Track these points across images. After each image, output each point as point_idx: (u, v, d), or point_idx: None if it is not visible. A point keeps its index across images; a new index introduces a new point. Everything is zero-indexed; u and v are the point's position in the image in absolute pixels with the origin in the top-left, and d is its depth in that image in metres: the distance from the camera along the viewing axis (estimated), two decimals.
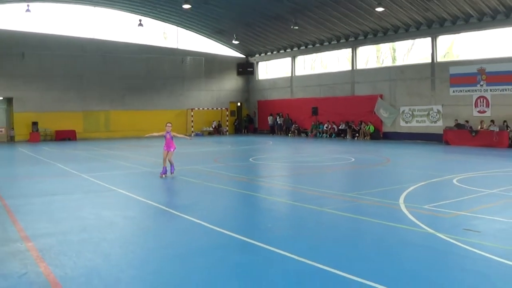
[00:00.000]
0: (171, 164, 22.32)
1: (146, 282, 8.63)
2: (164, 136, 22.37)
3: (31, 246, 10.77)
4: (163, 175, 21.87)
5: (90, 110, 52.08)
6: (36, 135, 47.62)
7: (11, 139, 48.23)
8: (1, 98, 48.69)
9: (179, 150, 36.58)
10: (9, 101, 48.95)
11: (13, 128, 48.39)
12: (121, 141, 45.96)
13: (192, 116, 57.92)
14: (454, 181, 20.01)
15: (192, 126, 57.59)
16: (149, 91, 55.65)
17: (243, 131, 62.17)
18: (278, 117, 57.73)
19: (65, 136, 49.38)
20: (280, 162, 30.02)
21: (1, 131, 48.11)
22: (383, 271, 9.13)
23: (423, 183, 19.84)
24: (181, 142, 46.58)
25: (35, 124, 47.90)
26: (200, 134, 57.48)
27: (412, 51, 47.04)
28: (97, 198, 16.74)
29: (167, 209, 15.01)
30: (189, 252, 10.49)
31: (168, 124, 22.54)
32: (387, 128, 46.15)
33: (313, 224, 13.37)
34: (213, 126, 59.29)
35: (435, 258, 10.06)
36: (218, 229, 12.40)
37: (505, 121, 36.53)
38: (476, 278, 8.80)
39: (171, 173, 22.24)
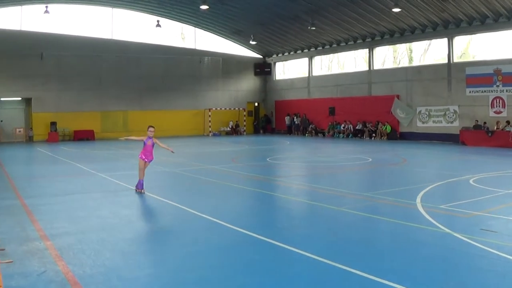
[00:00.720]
0: (140, 179, 17.96)
1: (164, 280, 8.71)
2: (144, 142, 18.15)
3: (50, 245, 10.86)
4: (142, 190, 17.78)
5: (108, 110, 52.21)
6: (54, 135, 47.78)
7: (29, 139, 48.43)
8: (19, 98, 48.91)
9: (197, 149, 36.72)
10: (27, 101, 49.21)
11: (31, 128, 48.56)
12: (139, 141, 46.02)
13: (209, 116, 57.98)
14: (471, 181, 19.97)
15: (210, 126, 57.67)
16: (167, 91, 55.74)
17: (261, 131, 62.11)
18: (295, 117, 57.69)
19: (83, 136, 49.55)
20: (297, 162, 30.06)
21: (20, 131, 48.25)
22: (400, 270, 9.19)
23: (439, 183, 19.82)
24: (200, 141, 46.76)
25: (53, 124, 48.04)
26: (218, 134, 57.55)
27: (429, 52, 46.87)
28: (115, 198, 16.85)
29: (185, 208, 15.07)
30: (207, 250, 10.57)
31: (150, 129, 18.51)
32: (403, 128, 46.02)
33: (330, 223, 13.43)
34: (230, 126, 59.32)
35: (452, 258, 10.09)
36: (235, 228, 12.49)
37: None
38: (493, 278, 8.82)
39: (140, 190, 17.88)
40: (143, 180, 18.13)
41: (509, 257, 9.85)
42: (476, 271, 9.30)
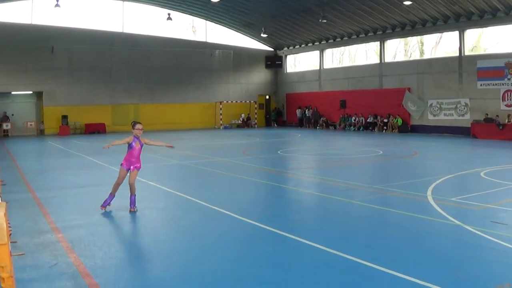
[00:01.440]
0: (132, 194, 14.00)
1: (175, 271, 8.75)
2: (130, 145, 14.17)
3: (61, 237, 10.94)
4: (105, 207, 14.00)
5: (119, 104, 52.25)
6: (65, 129, 47.87)
7: (41, 133, 48.55)
8: (31, 92, 49.06)
9: (208, 142, 36.72)
10: (39, 95, 49.35)
11: (42, 121, 48.68)
12: (150, 134, 46.09)
13: (220, 109, 58.00)
14: (482, 174, 19.92)
15: (221, 119, 57.68)
16: (178, 84, 55.76)
17: (272, 124, 62.07)
18: (306, 110, 57.65)
19: (95, 129, 49.66)
20: (308, 155, 30.05)
21: (31, 124, 48.37)
22: (410, 262, 9.21)
23: (450, 175, 19.78)
24: (211, 134, 46.75)
25: (64, 117, 48.11)
26: (229, 127, 57.57)
27: (440, 45, 46.80)
28: (127, 190, 16.90)
29: (196, 200, 15.13)
30: (219, 243, 10.63)
31: (137, 126, 14.17)
32: (415, 121, 45.91)
33: (341, 215, 13.46)
34: (241, 119, 59.31)
35: (462, 250, 10.16)
36: (247, 220, 12.55)
37: None
38: (503, 270, 8.84)
39: (132, 208, 13.86)
40: (113, 196, 14.15)
41: None
42: (486, 263, 9.31)
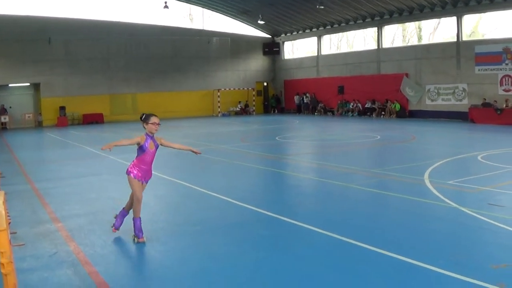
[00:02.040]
0: (136, 216, 10.18)
1: (175, 257, 8.83)
2: (141, 147, 10.22)
3: (61, 226, 11.01)
4: (143, 238, 9.97)
5: (117, 93, 52.15)
6: (63, 120, 47.76)
7: (39, 124, 48.44)
8: (28, 84, 48.88)
9: (206, 130, 36.84)
10: (36, 86, 49.15)
11: (40, 113, 48.59)
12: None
13: (218, 96, 57.93)
14: (479, 157, 20.00)
15: (219, 107, 57.63)
16: (175, 72, 55.63)
17: (271, 110, 62.05)
18: (304, 97, 57.64)
19: (93, 120, 49.57)
20: (306, 141, 30.12)
21: (29, 116, 48.35)
22: (408, 244, 9.31)
23: (448, 159, 19.92)
24: (209, 122, 46.82)
25: (62, 108, 47.97)
26: (227, 114, 57.54)
27: (438, 30, 46.85)
28: (126, 179, 16.97)
29: (195, 187, 15.21)
30: (217, 227, 10.71)
31: (153, 120, 10.25)
32: (413, 106, 45.93)
33: (339, 199, 13.57)
34: (239, 106, 59.29)
35: (459, 232, 10.29)
36: (246, 205, 12.66)
37: None
38: (500, 251, 8.94)
39: (140, 238, 9.96)
40: (126, 212, 10.74)
41: None
42: (483, 244, 9.44)
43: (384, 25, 49.23)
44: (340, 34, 56.67)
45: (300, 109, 57.86)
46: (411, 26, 49.70)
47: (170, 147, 11.11)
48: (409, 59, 46.08)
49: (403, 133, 31.84)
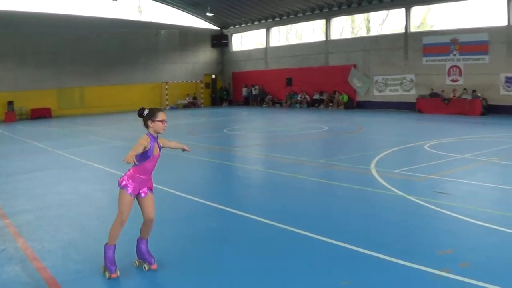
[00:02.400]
0: (143, 237, 8.49)
1: (123, 251, 8.74)
2: (147, 152, 8.05)
3: (9, 223, 10.85)
4: (116, 273, 7.88)
5: (65, 87, 51.37)
6: (11, 115, 46.96)
7: None
8: None
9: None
10: None
11: None
12: (96, 117, 45.77)
13: (166, 89, 57.62)
14: (426, 147, 20.28)
15: (167, 100, 57.33)
16: (124, 65, 55.07)
17: (220, 103, 61.92)
18: (253, 89, 57.68)
19: (41, 114, 48.66)
20: (254, 132, 30.14)
21: None
22: (356, 233, 9.41)
23: (394, 149, 20.15)
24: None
25: (10, 103, 47.10)
26: (175, 107, 57.25)
27: (387, 22, 47.24)
28: (74, 173, 16.81)
29: None
30: (164, 221, 10.59)
31: (161, 116, 8.21)
32: (360, 97, 46.31)
33: (287, 190, 13.61)
34: (187, 99, 59.04)
35: (406, 219, 10.41)
36: (193, 198, 12.62)
37: (474, 90, 36.90)
38: (446, 237, 9.16)
39: (153, 265, 8.17)
40: (115, 247, 8.11)
41: (461, 217, 10.15)
42: (429, 231, 9.61)
43: (333, 17, 49.50)
44: (289, 26, 56.81)
45: (248, 101, 57.90)
46: (360, 18, 49.99)
47: (168, 147, 8.99)
48: (357, 50, 46.43)
49: (350, 124, 32.13)
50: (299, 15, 52.39)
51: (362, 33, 49.90)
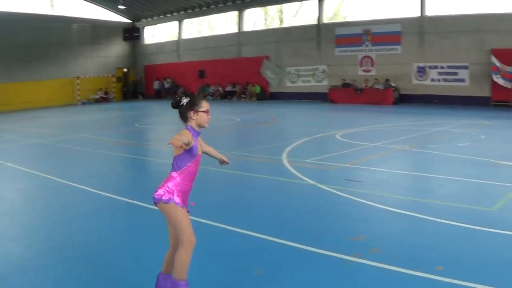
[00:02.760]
0: (169, 274, 6.49)
1: (37, 249, 8.53)
2: (192, 150, 6.49)
3: None
4: None
5: None
6: None
7: None
8: None
9: (66, 119, 36.16)
10: None
11: None
12: (7, 115, 44.84)
13: (78, 84, 56.62)
14: (338, 136, 20.57)
15: (79, 95, 56.46)
16: (36, 61, 53.57)
17: (133, 96, 61.26)
18: (165, 82, 57.31)
19: None
20: (165, 126, 29.92)
21: None
22: (268, 223, 9.43)
23: (307, 139, 20.38)
24: (69, 110, 45.92)
25: None
26: (87, 102, 56.39)
27: (300, 13, 47.53)
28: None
29: (54, 178, 14.74)
30: (75, 217, 10.43)
31: (205, 105, 6.58)
32: (273, 88, 46.55)
33: (199, 182, 13.36)
34: (99, 94, 58.26)
35: (318, 208, 10.48)
36: (103, 193, 12.40)
37: (387, 79, 37.45)
38: (357, 223, 9.29)
39: None
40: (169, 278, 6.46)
41: (372, 203, 10.32)
42: (341, 218, 9.72)
43: (246, 9, 49.54)
44: (202, 18, 56.57)
45: (160, 95, 57.55)
46: (273, 9, 50.12)
47: (207, 152, 7.52)
48: (270, 42, 46.58)
49: (263, 115, 32.29)
50: (211, 7, 52.21)
51: (275, 24, 50.05)
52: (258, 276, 7.06)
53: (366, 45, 39.61)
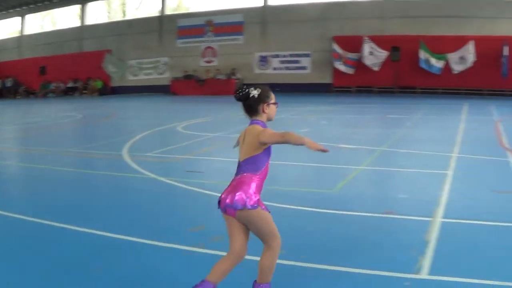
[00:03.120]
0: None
1: None
2: (270, 149, 5.58)
3: None
4: None
5: None
6: None
7: None
8: None
9: None
10: None
11: None
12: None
13: None
14: (179, 128, 20.69)
15: None
16: None
17: None
18: (7, 81, 55.62)
19: None
20: (5, 126, 29.04)
21: None
22: (108, 219, 9.16)
23: (147, 132, 20.44)
24: None
25: None
26: None
27: (143, 5, 47.33)
28: None
29: None
30: None
31: (273, 97, 5.62)
32: (115, 82, 46.35)
33: (38, 183, 13.07)
34: None
35: (158, 201, 10.43)
36: None
37: (234, 69, 37.82)
38: (198, 214, 9.29)
39: None
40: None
41: (212, 193, 10.22)
42: (181, 209, 9.75)
43: (88, 2, 48.88)
44: (45, 12, 55.29)
45: (1, 94, 55.89)
46: (116, 2, 49.65)
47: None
48: (112, 35, 46.27)
49: (104, 110, 32.15)
50: (54, 1, 51.06)
51: (118, 17, 49.58)
52: (97, 273, 6.85)
53: (209, 36, 39.87)
